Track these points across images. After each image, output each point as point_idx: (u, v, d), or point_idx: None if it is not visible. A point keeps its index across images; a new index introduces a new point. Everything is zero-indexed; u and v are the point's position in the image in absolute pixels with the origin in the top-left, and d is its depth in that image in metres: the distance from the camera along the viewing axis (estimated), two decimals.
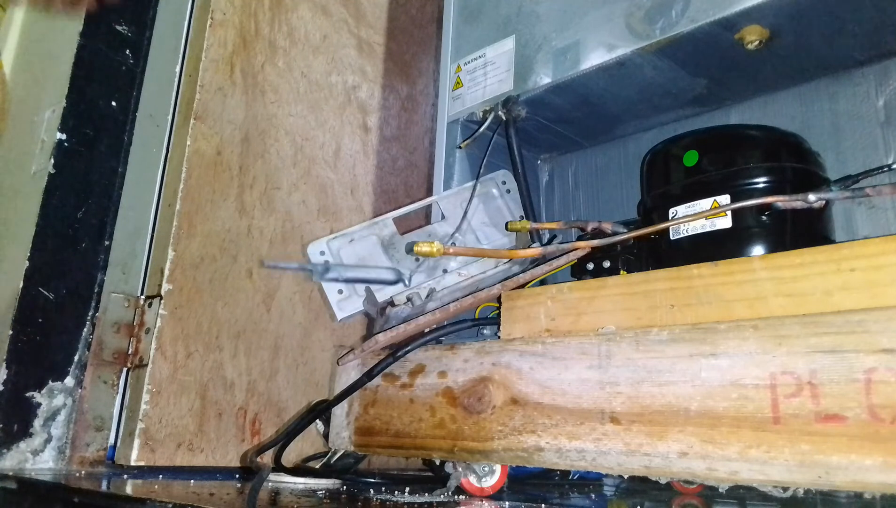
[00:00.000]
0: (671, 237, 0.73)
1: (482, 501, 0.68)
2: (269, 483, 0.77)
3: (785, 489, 0.51)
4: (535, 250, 0.78)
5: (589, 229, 0.82)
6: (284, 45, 1.04)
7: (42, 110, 0.97)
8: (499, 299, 0.73)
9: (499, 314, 0.72)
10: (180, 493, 0.65)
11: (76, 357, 0.88)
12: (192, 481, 0.78)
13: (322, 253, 0.84)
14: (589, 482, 0.94)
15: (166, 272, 0.85)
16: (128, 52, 1.01)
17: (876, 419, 0.46)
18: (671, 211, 0.74)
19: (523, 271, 0.78)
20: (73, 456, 0.84)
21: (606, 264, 0.80)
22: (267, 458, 0.83)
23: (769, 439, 0.49)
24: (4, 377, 0.82)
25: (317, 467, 0.86)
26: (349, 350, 0.80)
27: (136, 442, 0.79)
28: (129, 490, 0.68)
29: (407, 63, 1.26)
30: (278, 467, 0.80)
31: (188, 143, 0.90)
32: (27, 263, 0.87)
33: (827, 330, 0.49)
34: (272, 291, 0.97)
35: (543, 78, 0.90)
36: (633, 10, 0.82)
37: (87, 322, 0.90)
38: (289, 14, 1.06)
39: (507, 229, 0.90)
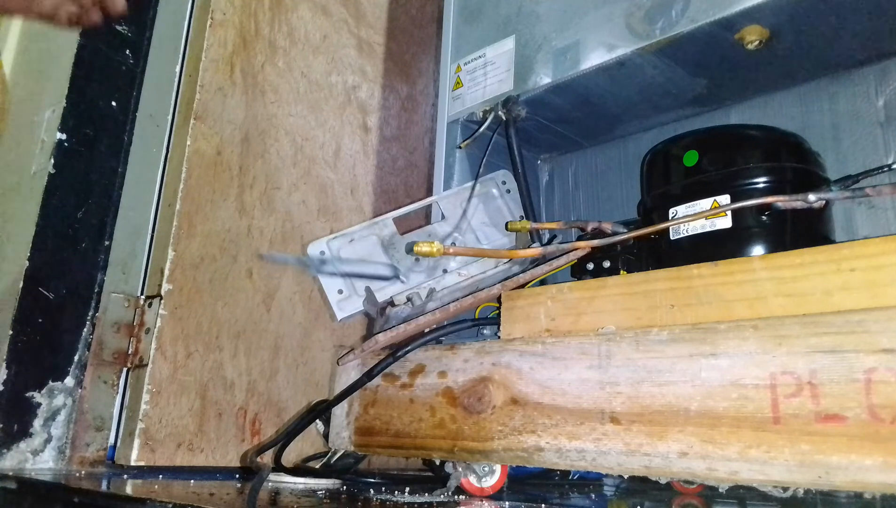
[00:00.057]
0: (671, 237, 0.73)
1: (482, 501, 0.68)
2: (269, 483, 0.77)
3: (785, 489, 0.51)
4: (535, 250, 0.78)
5: (589, 229, 0.82)
6: (284, 45, 1.04)
7: (42, 110, 0.97)
8: (499, 299, 0.73)
9: (499, 314, 0.72)
10: (180, 493, 0.65)
11: (76, 357, 0.88)
12: (192, 481, 0.78)
13: (322, 253, 0.84)
14: (589, 482, 0.94)
15: (166, 272, 0.85)
16: (128, 52, 1.01)
17: (876, 419, 0.46)
18: (671, 211, 0.74)
19: (523, 271, 0.78)
20: (73, 456, 0.84)
21: (606, 264, 0.80)
22: (267, 458, 0.83)
23: (769, 439, 0.49)
24: (4, 377, 0.82)
25: (317, 467, 0.86)
26: (349, 350, 0.80)
27: (136, 442, 0.79)
28: (129, 490, 0.68)
29: (407, 63, 1.26)
30: (278, 467, 0.80)
31: (188, 143, 0.90)
32: (27, 263, 0.87)
33: (827, 330, 0.49)
34: (272, 291, 0.97)
35: (543, 78, 0.90)
36: (633, 10, 0.81)
37: (87, 322, 0.90)
38: (289, 14, 1.06)
39: (507, 229, 0.90)
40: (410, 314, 0.78)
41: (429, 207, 0.95)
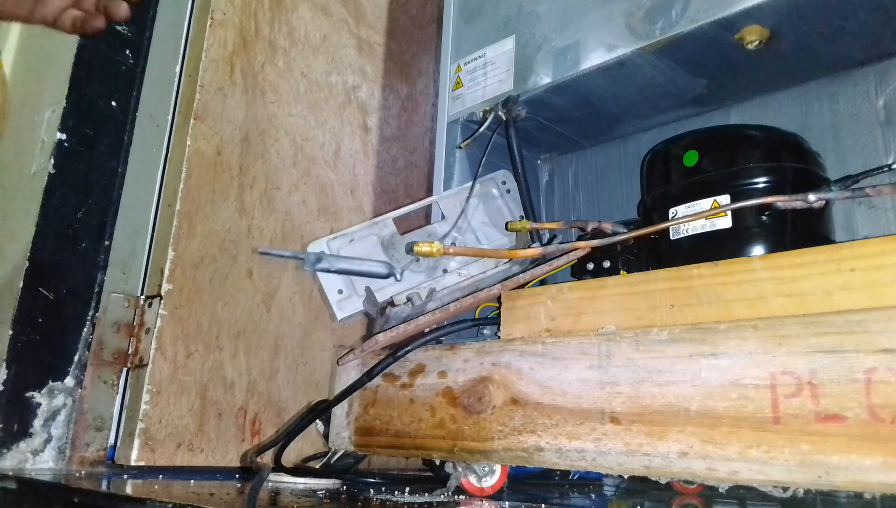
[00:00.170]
0: (671, 237, 0.73)
1: (482, 501, 0.68)
2: (269, 483, 0.77)
3: (785, 489, 0.51)
4: (535, 250, 0.78)
5: (589, 229, 0.82)
6: (284, 45, 1.04)
7: (42, 110, 0.97)
8: (499, 299, 0.73)
9: (499, 314, 0.72)
10: (180, 493, 0.65)
11: (76, 357, 0.88)
12: (192, 481, 0.78)
13: (322, 253, 0.84)
14: (589, 482, 0.94)
15: (166, 272, 0.85)
16: (128, 52, 1.01)
17: (876, 419, 0.46)
18: (671, 211, 0.74)
19: (523, 271, 0.78)
20: (73, 456, 0.84)
21: (606, 264, 0.80)
22: (267, 458, 0.83)
23: (769, 439, 0.49)
24: (4, 377, 0.82)
25: (317, 467, 0.86)
26: (349, 350, 0.80)
27: (136, 442, 0.79)
28: (129, 490, 0.68)
29: (407, 63, 1.26)
30: (278, 467, 0.80)
31: (188, 143, 0.90)
32: (27, 263, 0.87)
33: (827, 330, 0.49)
34: (272, 291, 0.97)
35: (543, 78, 0.90)
36: (633, 10, 0.82)
37: (87, 322, 0.90)
38: (289, 14, 1.06)
39: (507, 229, 0.90)
40: (410, 314, 0.78)
41: (429, 207, 0.95)
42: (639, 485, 0.91)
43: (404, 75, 1.25)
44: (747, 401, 0.51)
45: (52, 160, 0.91)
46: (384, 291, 0.82)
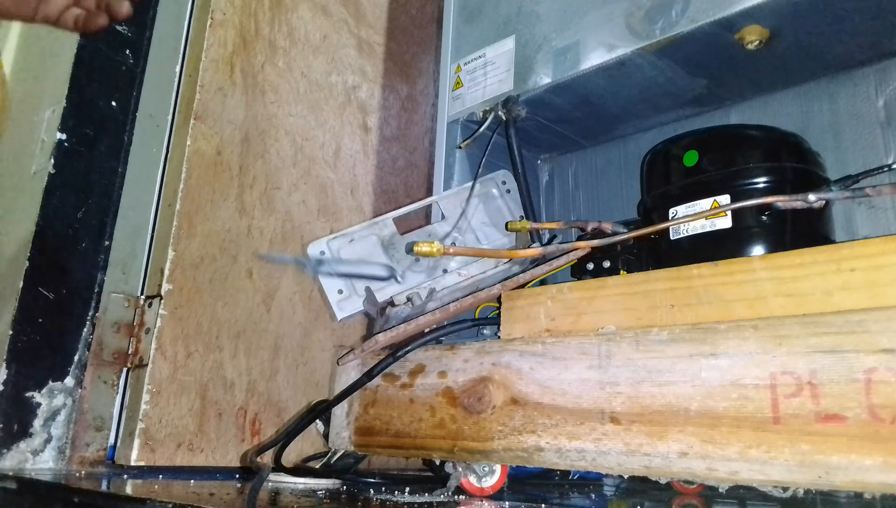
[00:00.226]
0: (671, 237, 0.73)
1: (482, 501, 0.68)
2: (269, 483, 0.77)
3: (785, 489, 0.51)
4: (535, 250, 0.78)
5: (589, 229, 0.82)
6: (284, 45, 1.04)
7: (42, 110, 0.97)
8: (499, 299, 0.73)
9: (499, 314, 0.72)
10: (180, 493, 0.65)
11: (76, 357, 0.88)
12: (192, 481, 0.78)
13: (322, 253, 0.84)
14: (589, 482, 0.94)
15: (166, 272, 0.85)
16: (128, 52, 1.01)
17: (876, 419, 0.46)
18: (671, 211, 0.74)
19: (523, 271, 0.78)
20: (73, 456, 0.84)
21: (606, 264, 0.80)
22: (267, 458, 0.83)
23: (769, 439, 0.49)
24: (4, 377, 0.82)
25: (317, 467, 0.86)
26: (349, 350, 0.80)
27: (136, 442, 0.79)
28: (129, 490, 0.68)
29: (407, 63, 1.26)
30: (278, 467, 0.80)
31: (188, 143, 0.90)
32: (27, 263, 0.87)
33: (827, 330, 0.49)
34: (272, 291, 0.97)
35: (543, 78, 0.90)
36: (633, 10, 0.82)
37: (87, 322, 0.90)
38: (289, 14, 1.06)
39: (507, 229, 0.90)
40: (410, 314, 0.78)
41: (429, 207, 0.95)
42: (639, 485, 0.91)
43: (404, 75, 1.25)
44: (747, 401, 0.51)
45: (52, 160, 0.91)
46: (384, 291, 0.82)
